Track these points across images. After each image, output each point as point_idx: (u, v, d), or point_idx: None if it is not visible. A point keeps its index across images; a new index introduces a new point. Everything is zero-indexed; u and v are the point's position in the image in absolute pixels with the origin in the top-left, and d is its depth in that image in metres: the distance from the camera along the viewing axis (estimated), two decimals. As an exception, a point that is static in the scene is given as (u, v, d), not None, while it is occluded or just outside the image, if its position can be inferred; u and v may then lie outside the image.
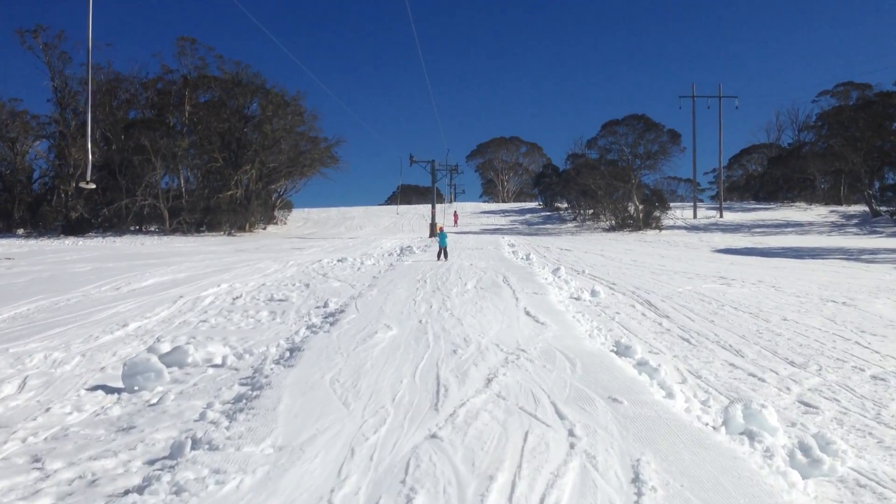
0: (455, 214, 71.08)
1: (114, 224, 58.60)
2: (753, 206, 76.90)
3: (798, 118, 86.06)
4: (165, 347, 9.61)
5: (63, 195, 57.92)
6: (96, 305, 14.85)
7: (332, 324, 11.85)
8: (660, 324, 13.11)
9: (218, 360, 9.45)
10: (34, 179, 62.94)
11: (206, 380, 8.41)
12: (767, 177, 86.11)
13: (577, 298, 16.12)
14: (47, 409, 7.10)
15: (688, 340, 11.53)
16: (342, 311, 13.17)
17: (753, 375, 9.14)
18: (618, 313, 14.20)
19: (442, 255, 27.67)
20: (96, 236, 54.45)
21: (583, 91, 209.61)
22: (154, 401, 7.42)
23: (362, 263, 25.73)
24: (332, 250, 36.73)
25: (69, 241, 47.11)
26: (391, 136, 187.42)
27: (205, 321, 12.88)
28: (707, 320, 13.44)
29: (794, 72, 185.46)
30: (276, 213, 70.87)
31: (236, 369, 9.00)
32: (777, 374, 9.26)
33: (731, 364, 9.84)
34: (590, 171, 63.03)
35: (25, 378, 8.38)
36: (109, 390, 8.01)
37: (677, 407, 6.99)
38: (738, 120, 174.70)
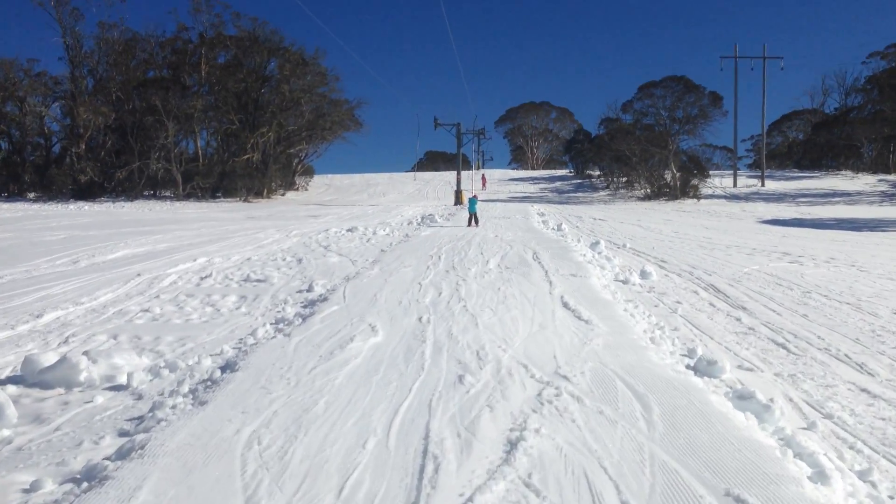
0: (483, 178, 68.55)
1: (126, 188, 56.03)
2: (796, 174, 72.57)
3: (846, 81, 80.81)
4: (49, 359, 6.71)
5: (72, 158, 55.38)
6: (31, 285, 12.03)
7: (304, 318, 8.89)
8: (738, 319, 10.04)
9: (122, 379, 6.54)
10: (53, 143, 60.43)
11: (78, 420, 5.50)
12: (810, 144, 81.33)
13: (625, 281, 13.03)
14: None
15: (784, 347, 8.45)
16: (325, 300, 10.18)
17: (909, 414, 6.08)
18: (679, 303, 11.12)
19: (472, 222, 26.55)
20: (107, 201, 52.02)
21: (617, 54, 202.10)
22: (-44, 470, 4.50)
23: (374, 234, 22.80)
24: (349, 218, 33.95)
25: (74, 206, 44.65)
26: (416, 101, 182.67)
27: (147, 310, 9.97)
28: (797, 314, 10.35)
29: (843, 32, 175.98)
30: (296, 178, 67.85)
31: (139, 397, 6.09)
32: (943, 411, 6.19)
33: (865, 390, 6.78)
34: (624, 137, 59.28)
35: None
36: (-78, 437, 5.13)
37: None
38: (779, 85, 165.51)
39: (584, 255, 16.33)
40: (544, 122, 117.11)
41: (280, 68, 59.45)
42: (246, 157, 57.53)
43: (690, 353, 7.93)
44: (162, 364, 6.93)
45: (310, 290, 11.52)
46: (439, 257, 15.54)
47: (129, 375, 6.52)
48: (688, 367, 7.34)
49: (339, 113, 63.45)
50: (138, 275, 13.03)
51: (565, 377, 6.03)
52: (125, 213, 37.53)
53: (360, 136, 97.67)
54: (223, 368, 6.65)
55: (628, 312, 9.88)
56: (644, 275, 13.61)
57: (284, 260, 15.66)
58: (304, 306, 10.19)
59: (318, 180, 74.66)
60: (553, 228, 25.43)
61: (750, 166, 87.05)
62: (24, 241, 19.25)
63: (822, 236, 23.99)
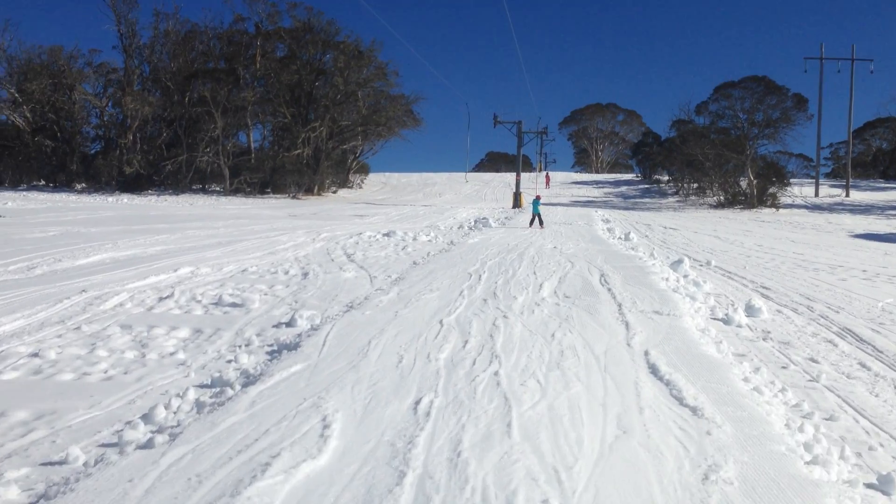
0: (547, 177, 69.16)
1: (174, 182, 53.98)
2: (882, 184, 67.17)
3: (940, 86, 74.50)
4: None
5: (120, 149, 53.55)
6: (-64, 302, 9.12)
7: (247, 383, 5.70)
8: (921, 399, 6.52)
9: None
10: (110, 134, 58.67)
11: None
12: (899, 152, 75.31)
13: (726, 321, 9.51)
14: None
15: None
16: (296, 347, 6.94)
17: None
18: (815, 362, 7.61)
19: (536, 223, 25.82)
20: (153, 194, 50.08)
21: (689, 54, 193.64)
22: None
23: (413, 239, 19.67)
24: (397, 219, 30.99)
25: (113, 199, 42.63)
26: (477, 99, 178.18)
27: (38, 354, 6.85)
28: None
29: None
30: (351, 176, 65.19)
31: None
32: None
33: None
34: (697, 140, 55.03)
35: None
36: None
37: None
38: (864, 91, 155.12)
39: (666, 277, 12.80)
40: (610, 125, 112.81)
41: (335, 61, 56.73)
42: (297, 152, 54.95)
43: (884, 483, 4.51)
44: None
45: (290, 324, 8.32)
46: (479, 276, 12.19)
47: None
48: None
49: (395, 108, 60.41)
50: (82, 291, 10.01)
51: None
52: (161, 208, 35.13)
53: (418, 134, 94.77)
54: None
55: (749, 383, 6.44)
56: (751, 311, 10.09)
57: (287, 273, 12.54)
58: (269, 353, 7.03)
59: (374, 178, 72.01)
60: (620, 238, 21.94)
61: (827, 175, 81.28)
62: (4, 241, 16.55)
63: (936, 256, 20.05)
